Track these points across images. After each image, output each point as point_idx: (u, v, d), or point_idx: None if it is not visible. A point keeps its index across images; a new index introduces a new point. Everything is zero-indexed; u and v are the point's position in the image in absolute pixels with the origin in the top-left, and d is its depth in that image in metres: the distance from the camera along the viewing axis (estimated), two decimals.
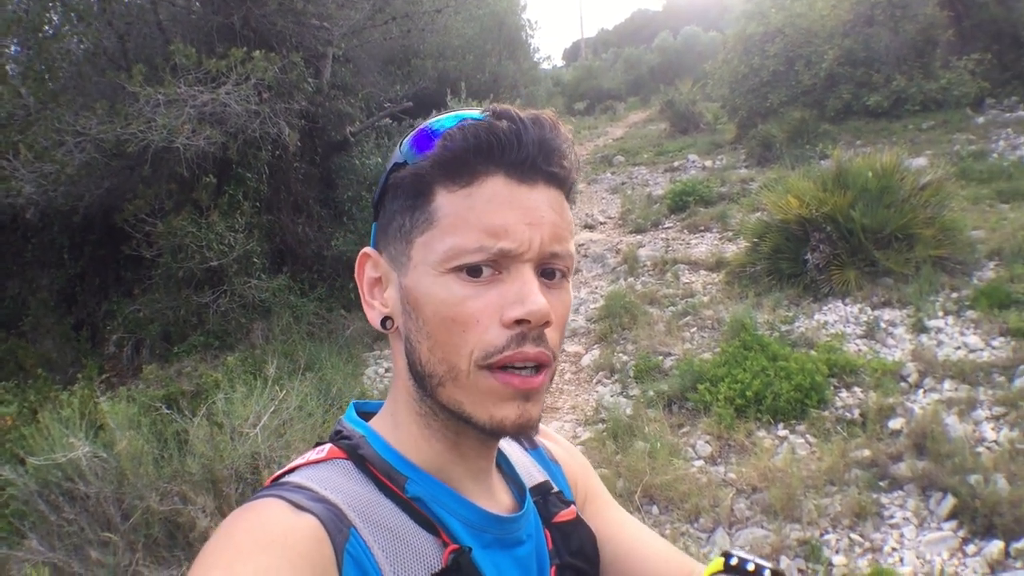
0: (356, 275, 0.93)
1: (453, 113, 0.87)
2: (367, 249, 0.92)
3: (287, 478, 0.84)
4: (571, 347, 8.06)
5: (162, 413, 5.51)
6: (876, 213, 7.33)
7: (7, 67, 7.38)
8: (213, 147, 7.73)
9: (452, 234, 0.81)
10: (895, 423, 5.01)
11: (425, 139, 0.86)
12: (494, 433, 0.84)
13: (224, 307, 8.41)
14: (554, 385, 7.26)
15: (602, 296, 9.08)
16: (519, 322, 0.80)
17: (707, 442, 5.41)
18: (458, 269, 0.81)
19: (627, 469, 5.11)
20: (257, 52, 7.50)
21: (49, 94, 7.28)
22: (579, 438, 6.02)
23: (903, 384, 5.56)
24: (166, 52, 7.64)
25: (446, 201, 0.82)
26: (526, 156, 0.82)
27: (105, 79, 7.79)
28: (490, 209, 0.81)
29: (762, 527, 4.37)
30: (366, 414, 0.97)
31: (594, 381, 7.11)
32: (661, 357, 6.97)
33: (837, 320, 6.88)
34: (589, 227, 13.29)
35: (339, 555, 0.75)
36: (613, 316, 8.14)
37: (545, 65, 27.28)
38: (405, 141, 0.88)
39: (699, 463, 5.21)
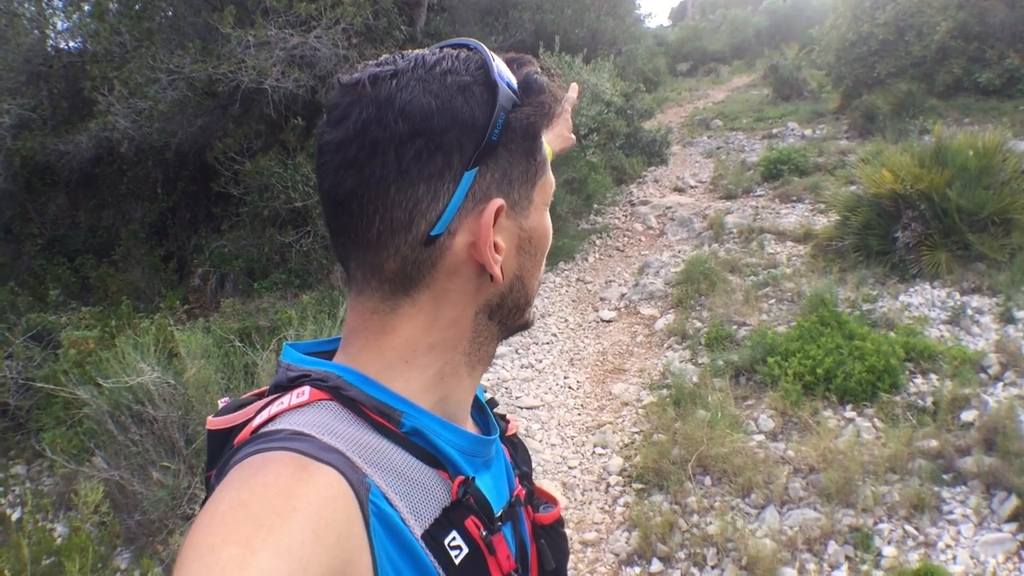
0: (486, 231, 0.84)
1: (501, 57, 0.90)
2: (501, 200, 0.85)
3: (274, 425, 0.78)
4: (646, 310, 8.00)
5: (235, 345, 5.69)
6: (974, 194, 7.00)
7: (107, 5, 7.58)
8: (302, 90, 7.83)
9: (549, 173, 0.93)
10: (968, 415, 4.81)
11: (532, 83, 0.89)
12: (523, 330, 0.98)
13: (306, 247, 8.56)
14: (624, 347, 7.23)
15: (683, 261, 8.96)
16: None
17: (770, 417, 5.32)
18: None
19: (684, 437, 5.08)
20: None
21: (145, 32, 7.47)
22: (642, 402, 5.99)
23: (982, 375, 5.33)
24: None
25: (542, 144, 0.91)
26: None
27: (199, 19, 7.95)
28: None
29: (815, 509, 4.29)
30: (314, 354, 0.93)
31: (664, 346, 7.05)
32: (735, 327, 6.86)
33: (922, 303, 6.63)
34: (678, 190, 13.09)
35: (364, 510, 0.71)
36: (692, 281, 8.04)
37: (649, 23, 26.80)
38: (509, 83, 0.85)
39: (759, 438, 5.13)
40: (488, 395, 1.09)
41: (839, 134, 14.33)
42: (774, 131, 15.81)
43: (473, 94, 0.82)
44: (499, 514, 0.87)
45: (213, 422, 0.87)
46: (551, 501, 1.05)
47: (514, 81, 0.86)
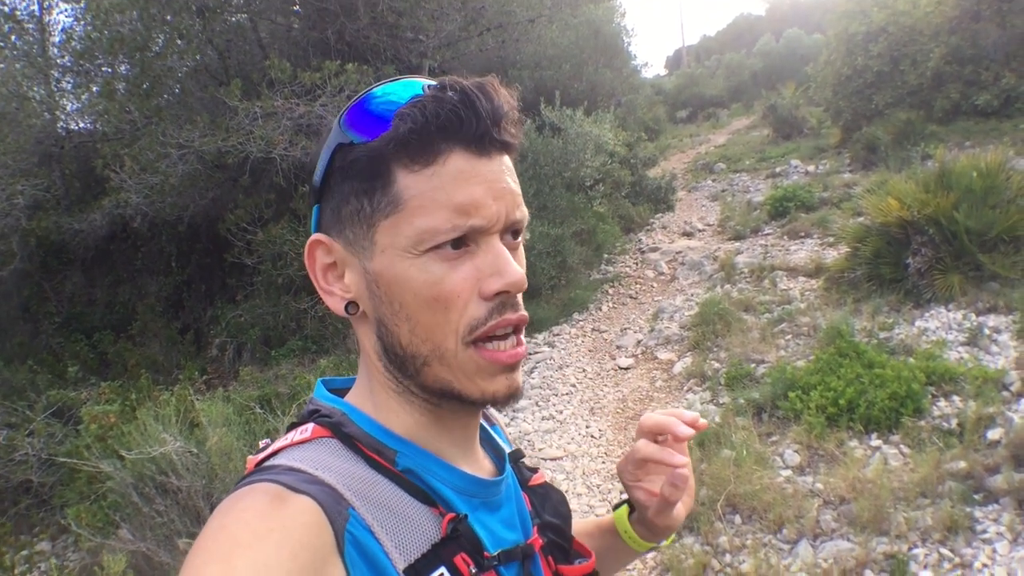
0: (307, 263, 0.90)
1: (390, 83, 0.86)
2: (318, 236, 0.89)
3: (273, 461, 0.83)
4: (663, 355, 7.97)
5: (255, 413, 5.70)
6: (981, 214, 7.00)
7: (116, 85, 7.75)
8: (309, 158, 7.94)
9: (422, 216, 0.81)
10: (994, 433, 4.76)
11: (370, 117, 0.83)
12: (487, 404, 0.88)
13: (321, 312, 8.58)
14: (644, 393, 7.18)
15: (697, 303, 8.94)
16: (500, 293, 0.83)
17: (795, 451, 5.26)
18: (436, 247, 0.81)
19: (711, 478, 5.02)
20: (350, 65, 7.67)
21: (153, 109, 7.64)
22: None
23: (1005, 393, 5.27)
24: (263, 67, 7.90)
25: (411, 182, 0.81)
26: (484, 129, 0.81)
27: (206, 94, 8.13)
28: (457, 186, 0.80)
29: (848, 539, 4.22)
30: (338, 391, 0.96)
31: (684, 389, 7.01)
32: (753, 365, 6.82)
33: (939, 327, 6.59)
34: (687, 235, 13.14)
35: (339, 538, 0.74)
36: (707, 323, 8.01)
37: (645, 73, 27.13)
38: (343, 120, 0.85)
39: (786, 472, 5.06)
40: (512, 448, 1.10)
41: (842, 168, 14.40)
42: (777, 170, 15.90)
43: (324, 138, 0.88)
44: (496, 554, 0.87)
45: (251, 461, 0.90)
46: (586, 554, 1.04)
47: (368, 118, 0.84)
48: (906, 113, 13.78)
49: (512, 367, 0.86)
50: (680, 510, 1.12)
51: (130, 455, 4.43)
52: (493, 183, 0.82)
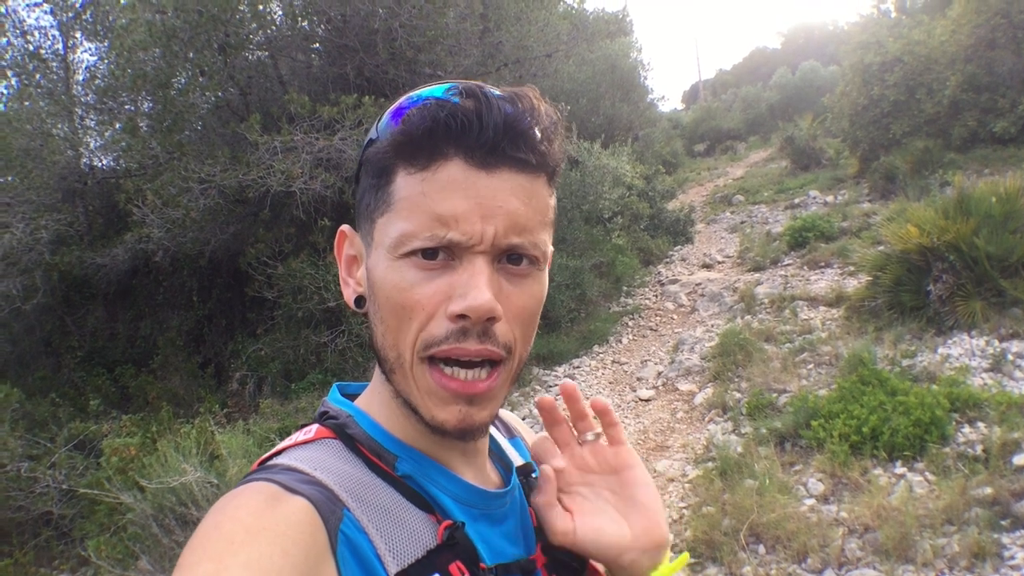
0: (335, 252, 0.92)
1: (427, 88, 0.83)
2: (345, 227, 0.91)
3: (275, 460, 0.83)
4: (684, 386, 7.93)
5: (275, 444, 5.70)
6: (1001, 240, 6.98)
7: (139, 121, 7.87)
8: (329, 191, 8.01)
9: (405, 219, 0.79)
10: (1019, 459, 4.70)
11: (392, 115, 0.83)
12: (435, 431, 0.83)
13: (342, 346, 8.61)
14: (665, 424, 7.13)
15: (717, 334, 8.91)
16: (462, 316, 0.78)
17: (819, 480, 5.21)
18: (411, 253, 0.79)
19: (733, 507, 4.97)
20: (366, 98, 7.75)
21: (175, 145, 7.74)
22: (687, 476, 5.90)
23: None
24: (282, 102, 8.00)
25: (404, 183, 0.80)
26: (486, 140, 0.77)
27: (227, 129, 8.24)
28: (443, 196, 0.78)
29: (874, 568, 4.16)
30: (351, 396, 0.96)
31: (706, 420, 6.96)
32: (775, 394, 6.78)
33: (962, 353, 6.54)
34: (706, 267, 13.14)
35: (333, 537, 0.74)
36: (728, 354, 7.98)
37: (662, 107, 27.25)
38: (383, 116, 0.85)
39: (810, 501, 5.01)
40: (523, 462, 1.06)
41: (861, 197, 14.39)
42: (796, 201, 15.90)
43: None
44: (492, 566, 0.85)
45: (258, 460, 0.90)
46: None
47: (391, 116, 0.84)
48: (924, 142, 13.76)
49: (468, 399, 0.81)
50: (588, 528, 0.92)
51: (150, 485, 4.44)
52: (486, 199, 0.78)
